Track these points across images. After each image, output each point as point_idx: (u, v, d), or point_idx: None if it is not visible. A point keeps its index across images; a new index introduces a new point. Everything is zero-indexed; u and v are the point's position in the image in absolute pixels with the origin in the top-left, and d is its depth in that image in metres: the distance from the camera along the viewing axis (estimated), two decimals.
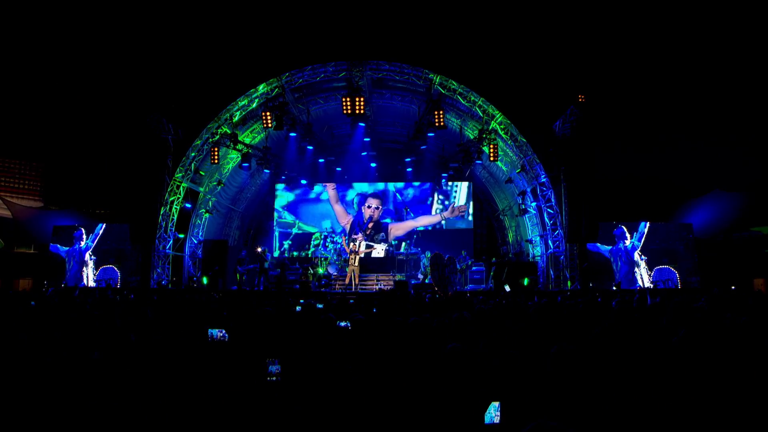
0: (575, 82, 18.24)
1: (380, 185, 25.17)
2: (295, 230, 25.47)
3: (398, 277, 21.25)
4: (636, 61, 24.63)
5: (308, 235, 25.38)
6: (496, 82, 20.61)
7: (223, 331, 4.89)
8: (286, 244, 25.04)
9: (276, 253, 24.58)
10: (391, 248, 23.61)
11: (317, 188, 25.38)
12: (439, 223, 24.85)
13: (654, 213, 20.97)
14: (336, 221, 25.12)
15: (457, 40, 24.02)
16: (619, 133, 23.18)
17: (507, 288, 18.40)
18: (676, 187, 22.95)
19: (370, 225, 24.59)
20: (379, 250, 23.14)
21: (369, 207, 25.04)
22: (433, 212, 24.88)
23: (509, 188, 22.59)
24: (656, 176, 23.21)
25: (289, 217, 25.54)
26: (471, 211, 24.96)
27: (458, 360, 4.27)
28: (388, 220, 24.91)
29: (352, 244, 21.75)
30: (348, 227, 24.76)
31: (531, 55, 24.16)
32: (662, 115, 24.57)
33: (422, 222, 24.83)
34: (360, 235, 24.07)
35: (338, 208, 25.20)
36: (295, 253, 24.57)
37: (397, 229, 24.75)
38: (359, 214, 24.98)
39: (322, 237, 25.09)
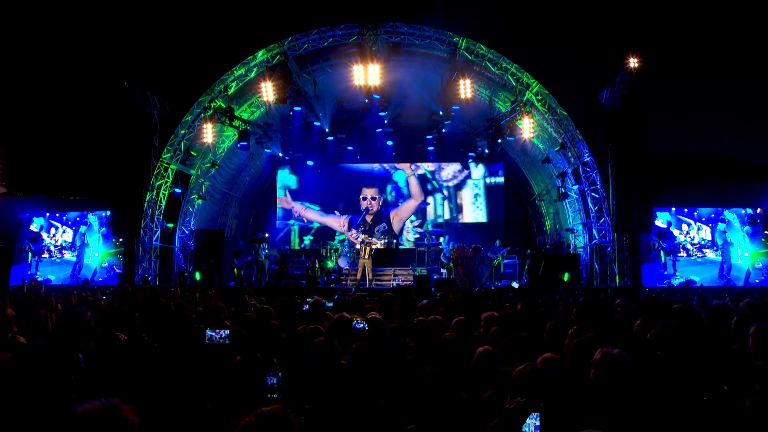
0: (625, 44, 17.90)
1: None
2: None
3: (419, 271, 21.25)
4: (698, 17, 23.98)
5: (332, 230, 25.33)
6: (532, 45, 20.37)
7: (223, 333, 4.94)
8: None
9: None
10: (393, 241, 23.75)
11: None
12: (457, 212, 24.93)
13: (720, 197, 20.62)
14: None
15: None
16: (678, 104, 22.67)
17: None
18: (747, 165, 22.39)
19: (368, 218, 24.66)
20: (379, 246, 23.30)
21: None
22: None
23: (547, 169, 22.38)
24: (722, 153, 22.69)
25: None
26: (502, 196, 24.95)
27: (488, 365, 4.26)
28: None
29: (363, 235, 21.79)
30: (345, 228, 24.86)
31: (572, 13, 23.75)
32: (729, 82, 24.02)
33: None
34: (353, 231, 24.14)
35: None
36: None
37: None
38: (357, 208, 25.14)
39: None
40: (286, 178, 25.64)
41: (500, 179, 24.94)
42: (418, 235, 23.93)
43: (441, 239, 23.46)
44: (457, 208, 25.09)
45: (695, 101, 23.25)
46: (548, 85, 19.42)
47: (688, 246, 20.24)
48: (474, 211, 25.04)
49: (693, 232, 20.11)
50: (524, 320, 6.57)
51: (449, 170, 25.23)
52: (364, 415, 2.95)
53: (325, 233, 25.01)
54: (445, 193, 25.15)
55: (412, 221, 24.57)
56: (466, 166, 24.37)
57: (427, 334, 5.68)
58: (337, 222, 24.96)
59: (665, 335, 4.92)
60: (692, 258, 20.17)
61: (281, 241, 24.98)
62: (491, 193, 25.01)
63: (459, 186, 25.22)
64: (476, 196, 25.06)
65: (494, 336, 5.56)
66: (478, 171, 25.00)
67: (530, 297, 12.67)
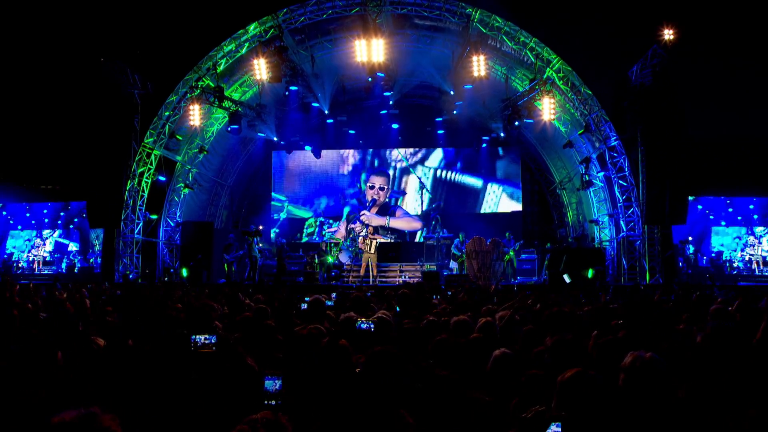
0: (659, 13, 17.60)
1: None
2: (283, 215, 25.52)
3: (427, 267, 21.22)
4: None
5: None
6: (554, 17, 20.16)
7: (211, 337, 4.91)
8: (273, 233, 25.07)
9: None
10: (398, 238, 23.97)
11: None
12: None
13: (765, 186, 20.46)
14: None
15: None
16: (717, 81, 22.30)
17: (567, 278, 18.27)
18: None
19: (373, 210, 24.69)
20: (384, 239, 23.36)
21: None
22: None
23: (569, 154, 22.27)
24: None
25: (280, 197, 25.60)
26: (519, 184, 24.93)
27: (507, 369, 4.23)
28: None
29: (369, 227, 21.72)
30: (348, 225, 24.89)
31: None
32: None
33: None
34: (357, 224, 24.15)
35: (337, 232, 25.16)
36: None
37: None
38: (362, 198, 25.17)
39: (318, 224, 25.15)
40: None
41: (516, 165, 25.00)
42: None
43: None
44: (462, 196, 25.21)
45: (737, 78, 22.86)
46: (571, 60, 19.24)
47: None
48: (487, 202, 25.08)
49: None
50: (567, 320, 6.51)
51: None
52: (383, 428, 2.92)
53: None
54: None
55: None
56: (479, 151, 24.29)
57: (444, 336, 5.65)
58: (343, 226, 24.99)
59: (717, 340, 4.81)
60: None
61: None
62: (507, 181, 25.07)
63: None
64: (491, 183, 25.12)
65: (526, 337, 5.55)
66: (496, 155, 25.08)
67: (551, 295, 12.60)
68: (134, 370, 4.42)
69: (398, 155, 25.50)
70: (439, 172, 25.34)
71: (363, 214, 24.48)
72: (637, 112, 18.50)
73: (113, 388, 4.10)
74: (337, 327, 6.07)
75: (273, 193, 25.67)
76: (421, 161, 25.49)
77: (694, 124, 18.98)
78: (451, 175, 25.23)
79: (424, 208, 24.66)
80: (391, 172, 25.53)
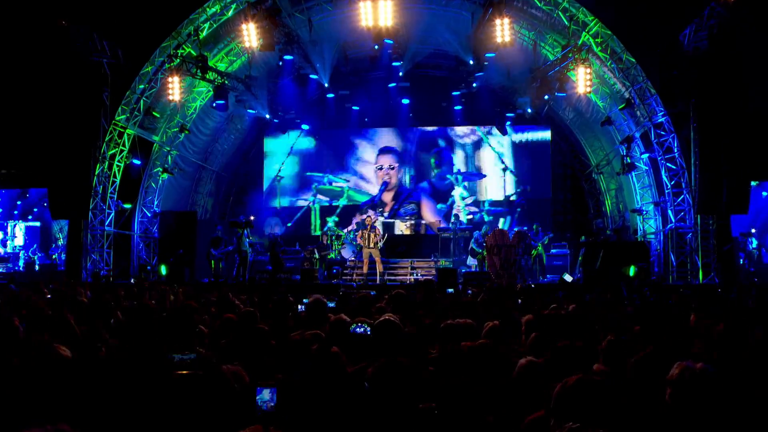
0: None
1: None
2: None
3: (442, 263, 21.22)
4: None
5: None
6: None
7: (191, 355, 4.89)
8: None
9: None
10: (423, 224, 24.00)
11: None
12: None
13: None
14: None
15: None
16: None
17: (567, 278, 18.33)
18: None
19: (386, 196, 24.75)
20: (405, 227, 23.33)
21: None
22: None
23: (607, 133, 22.21)
24: None
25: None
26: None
27: (533, 380, 4.23)
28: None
29: (366, 218, 21.76)
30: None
31: None
32: None
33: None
34: (371, 212, 24.13)
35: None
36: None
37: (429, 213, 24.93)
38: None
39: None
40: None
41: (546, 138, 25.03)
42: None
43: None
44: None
45: None
46: (611, 23, 19.01)
47: None
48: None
49: None
50: (573, 325, 6.51)
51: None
52: None
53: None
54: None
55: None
56: (503, 131, 24.20)
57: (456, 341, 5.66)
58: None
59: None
60: None
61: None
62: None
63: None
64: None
65: (534, 344, 5.55)
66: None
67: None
68: (104, 387, 4.42)
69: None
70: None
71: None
72: (689, 83, 18.31)
73: (79, 405, 4.11)
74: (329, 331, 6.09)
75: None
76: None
77: (758, 97, 18.73)
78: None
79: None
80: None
